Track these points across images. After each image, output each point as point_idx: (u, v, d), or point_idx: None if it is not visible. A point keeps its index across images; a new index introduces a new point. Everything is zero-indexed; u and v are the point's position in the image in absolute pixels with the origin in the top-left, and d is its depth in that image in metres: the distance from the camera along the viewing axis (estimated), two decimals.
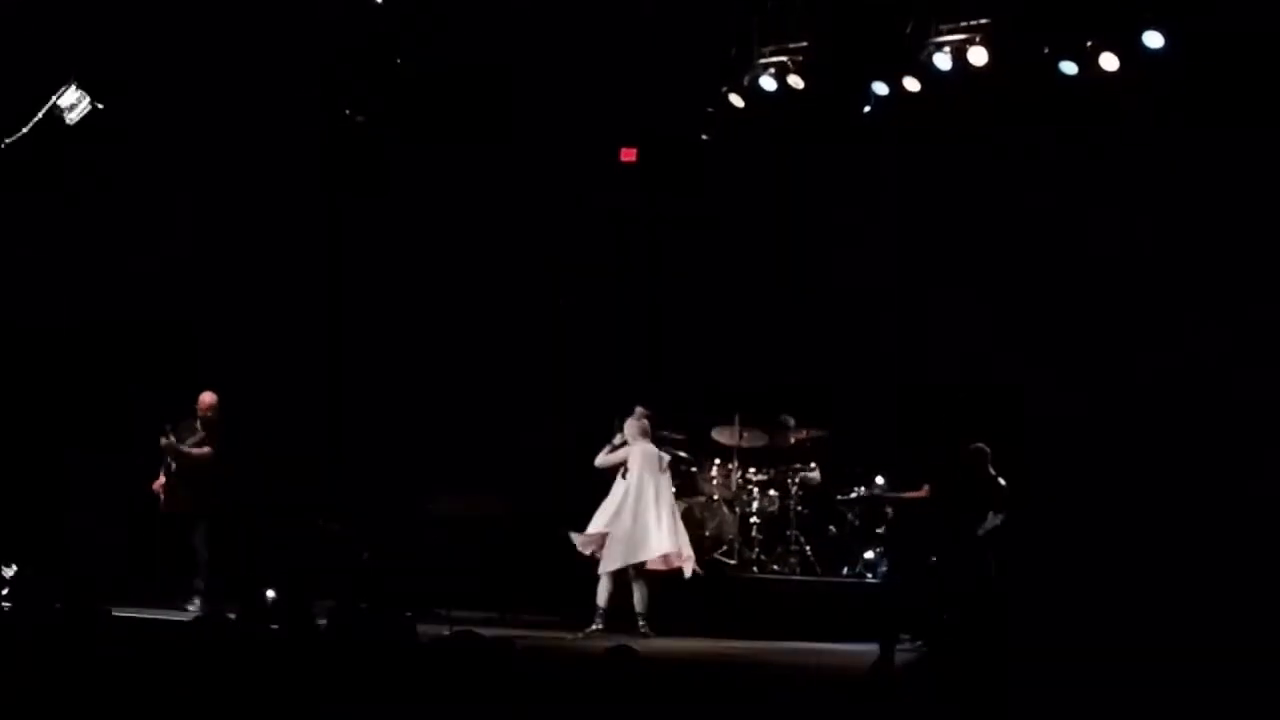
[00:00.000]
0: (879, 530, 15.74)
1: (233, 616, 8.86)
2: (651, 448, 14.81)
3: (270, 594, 14.55)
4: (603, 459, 14.87)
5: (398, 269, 17.62)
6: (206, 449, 15.26)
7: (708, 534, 16.17)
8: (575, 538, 14.71)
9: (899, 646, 13.03)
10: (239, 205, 17.33)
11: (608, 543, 14.58)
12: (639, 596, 14.59)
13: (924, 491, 14.30)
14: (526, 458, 16.74)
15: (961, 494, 14.30)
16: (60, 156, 15.68)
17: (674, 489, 15.45)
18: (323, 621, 8.69)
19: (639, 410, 14.90)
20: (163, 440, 15.22)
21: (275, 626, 8.06)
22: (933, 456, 14.79)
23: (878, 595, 15.00)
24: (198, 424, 15.30)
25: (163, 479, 15.35)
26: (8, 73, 15.40)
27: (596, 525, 14.64)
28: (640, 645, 11.99)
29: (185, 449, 15.21)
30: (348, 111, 17.02)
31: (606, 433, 14.98)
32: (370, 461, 17.06)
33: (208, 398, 15.35)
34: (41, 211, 16.60)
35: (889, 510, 15.61)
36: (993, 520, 14.11)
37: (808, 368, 16.82)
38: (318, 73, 16.79)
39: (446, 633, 9.09)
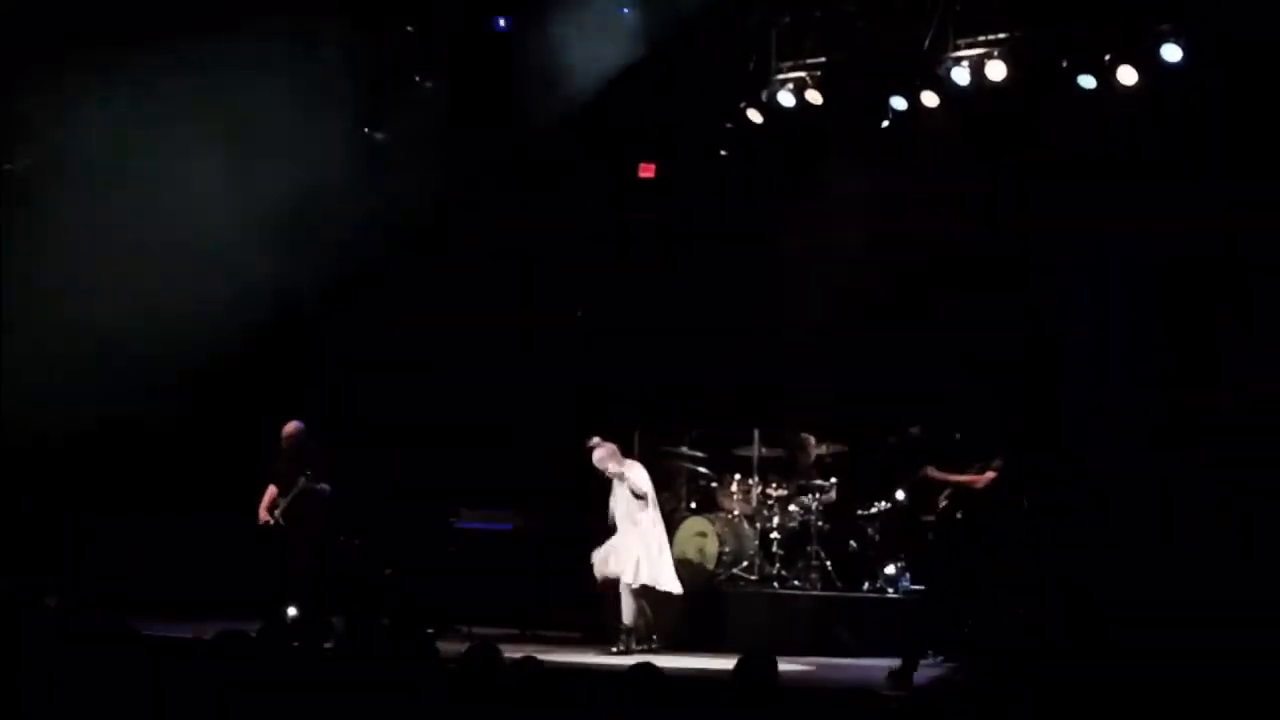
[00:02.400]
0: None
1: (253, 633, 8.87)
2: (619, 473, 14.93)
3: (292, 611, 14.58)
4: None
5: (413, 281, 17.64)
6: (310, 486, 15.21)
7: (728, 549, 16.17)
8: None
9: (923, 661, 13.02)
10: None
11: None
12: (647, 614, 14.82)
13: (989, 477, 13.57)
14: (546, 473, 16.75)
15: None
16: None
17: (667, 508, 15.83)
18: (343, 637, 8.71)
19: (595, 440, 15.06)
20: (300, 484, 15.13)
21: (296, 643, 8.07)
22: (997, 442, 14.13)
23: (905, 607, 14.92)
24: (289, 461, 15.19)
25: (270, 500, 15.27)
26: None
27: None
28: (662, 662, 12.00)
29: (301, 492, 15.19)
30: (366, 130, 17.10)
31: (625, 446, 15.05)
32: (391, 477, 17.06)
33: (291, 428, 15.31)
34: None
35: (943, 500, 13.83)
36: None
37: (826, 382, 16.84)
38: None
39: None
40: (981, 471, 13.37)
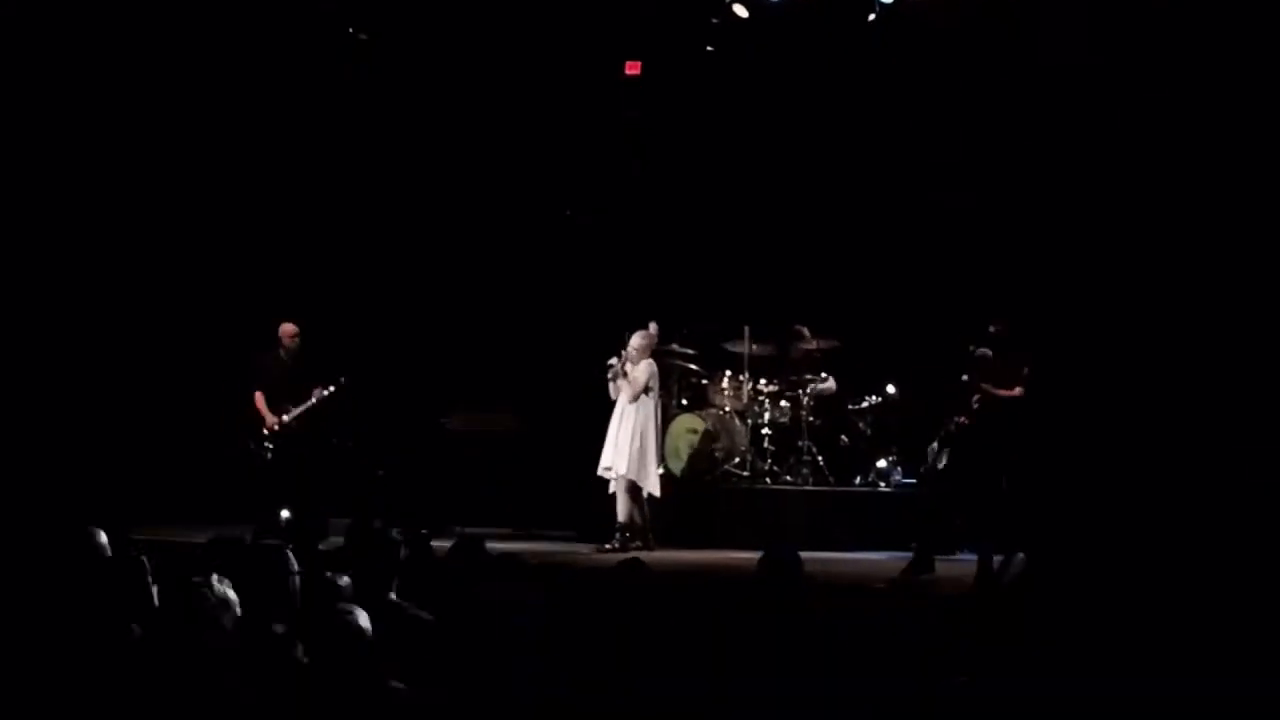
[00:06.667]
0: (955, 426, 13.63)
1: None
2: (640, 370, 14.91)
3: (285, 513, 14.64)
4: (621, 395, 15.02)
5: (407, 185, 17.60)
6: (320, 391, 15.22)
7: (720, 446, 16.23)
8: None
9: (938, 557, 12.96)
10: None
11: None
12: (639, 511, 14.84)
13: (1017, 391, 13.25)
14: (540, 372, 16.79)
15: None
16: None
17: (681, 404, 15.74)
18: (339, 539, 8.75)
19: (652, 327, 15.06)
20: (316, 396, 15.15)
21: (290, 545, 8.09)
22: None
23: (924, 499, 14.52)
24: (292, 363, 15.18)
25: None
26: None
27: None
28: (650, 558, 12.09)
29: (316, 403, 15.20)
30: (350, 30, 17.02)
31: (619, 345, 15.05)
32: (385, 379, 17.08)
33: (290, 328, 15.25)
34: None
35: (974, 403, 13.25)
36: None
37: (818, 277, 16.86)
38: None
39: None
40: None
